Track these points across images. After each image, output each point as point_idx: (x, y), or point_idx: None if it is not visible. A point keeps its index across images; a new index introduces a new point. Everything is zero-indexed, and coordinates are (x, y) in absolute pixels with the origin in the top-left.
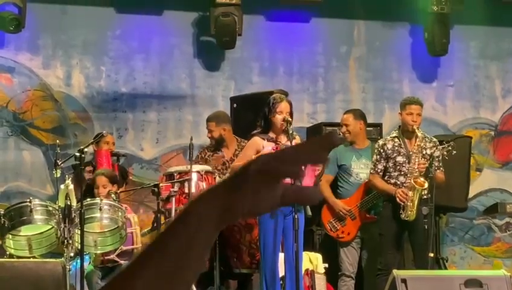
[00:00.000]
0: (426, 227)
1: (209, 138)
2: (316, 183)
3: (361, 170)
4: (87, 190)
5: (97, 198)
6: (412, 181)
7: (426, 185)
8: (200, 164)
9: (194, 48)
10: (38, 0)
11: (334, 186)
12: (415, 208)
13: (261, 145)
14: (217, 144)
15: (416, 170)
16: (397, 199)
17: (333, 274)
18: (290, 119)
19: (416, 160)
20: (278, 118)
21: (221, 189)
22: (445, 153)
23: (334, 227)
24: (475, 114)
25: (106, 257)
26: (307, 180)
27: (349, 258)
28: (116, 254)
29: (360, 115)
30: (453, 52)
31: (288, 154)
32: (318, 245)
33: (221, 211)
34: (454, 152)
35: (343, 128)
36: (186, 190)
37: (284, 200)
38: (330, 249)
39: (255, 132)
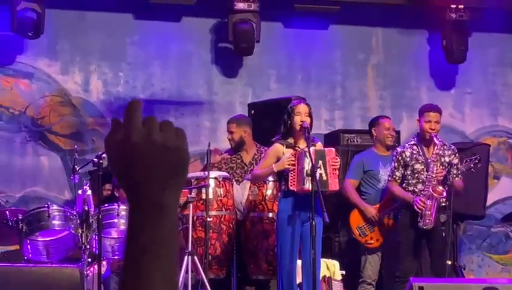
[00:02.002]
0: (444, 235)
1: (229, 140)
2: (339, 176)
3: None
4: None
5: (115, 203)
6: (431, 189)
7: (444, 193)
8: (217, 169)
9: (211, 55)
10: (57, 6)
11: (358, 192)
12: (433, 216)
13: (281, 151)
14: (237, 147)
15: (435, 178)
16: (415, 207)
17: (350, 281)
18: (308, 125)
19: (435, 168)
20: (297, 120)
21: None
22: (472, 166)
23: (363, 233)
24: (493, 122)
25: None
26: (332, 183)
27: (373, 266)
28: None
29: None
30: (471, 60)
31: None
32: (335, 252)
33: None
34: (480, 165)
35: (391, 132)
36: (204, 196)
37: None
38: (348, 256)
39: (275, 138)
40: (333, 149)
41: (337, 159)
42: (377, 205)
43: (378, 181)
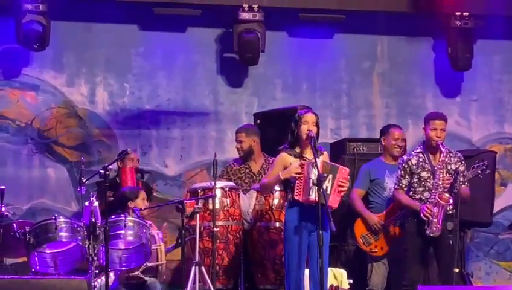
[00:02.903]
0: (451, 242)
1: (238, 149)
2: (342, 201)
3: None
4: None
5: (121, 215)
6: (437, 197)
7: (451, 201)
8: (225, 179)
9: (217, 65)
10: (62, 18)
11: (365, 200)
12: (440, 224)
13: (288, 161)
14: (246, 156)
15: (441, 185)
16: (422, 215)
17: None
18: (314, 134)
19: (441, 176)
20: (303, 129)
21: None
22: (479, 172)
23: (368, 241)
24: (499, 129)
25: (131, 274)
26: (332, 200)
27: (379, 274)
28: (140, 270)
29: None
30: (477, 67)
31: None
32: (343, 260)
33: None
34: (488, 171)
35: (399, 142)
36: (211, 207)
37: None
38: (355, 265)
39: (281, 147)
40: (347, 170)
41: (346, 181)
42: (382, 213)
43: (383, 189)
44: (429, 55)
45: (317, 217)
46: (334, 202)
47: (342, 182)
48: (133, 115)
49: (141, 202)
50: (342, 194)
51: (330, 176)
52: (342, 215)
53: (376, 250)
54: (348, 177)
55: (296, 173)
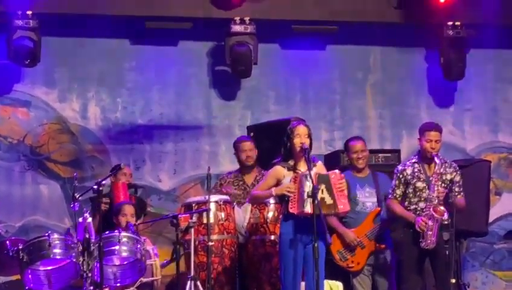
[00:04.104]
0: (447, 253)
1: (246, 159)
2: (348, 196)
3: (366, 198)
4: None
5: (115, 231)
6: (432, 210)
7: (446, 215)
8: (219, 191)
9: (209, 78)
10: (53, 34)
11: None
12: (435, 237)
13: (282, 174)
14: (254, 165)
15: (436, 198)
16: (417, 227)
17: None
18: (307, 147)
19: (435, 188)
20: (296, 141)
21: None
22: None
23: (344, 257)
24: (493, 138)
25: (126, 289)
26: (342, 204)
27: (364, 287)
28: (136, 286)
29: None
30: (470, 76)
31: None
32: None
33: None
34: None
35: (359, 154)
36: (205, 221)
37: None
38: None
39: (275, 160)
40: (337, 171)
41: (342, 180)
42: (356, 228)
43: (355, 204)
44: (422, 65)
45: (313, 229)
46: (344, 205)
47: (340, 184)
48: (125, 129)
49: (131, 218)
50: (346, 193)
51: (323, 186)
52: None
53: (353, 265)
54: (341, 175)
55: (288, 193)
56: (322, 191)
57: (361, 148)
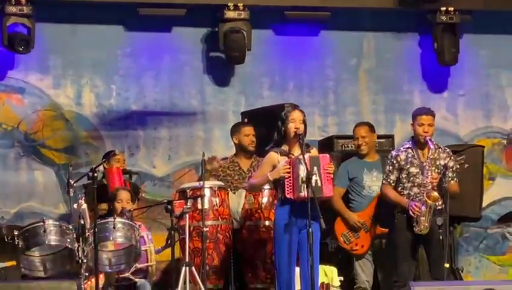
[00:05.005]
0: (441, 237)
1: (249, 144)
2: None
3: (373, 182)
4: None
5: (111, 217)
6: (425, 196)
7: (440, 201)
8: (213, 176)
9: (203, 64)
10: (47, 20)
11: (346, 199)
12: (428, 222)
13: (276, 159)
14: (250, 152)
15: (429, 183)
16: (410, 212)
17: (349, 287)
18: (302, 132)
19: (429, 174)
20: (291, 127)
21: None
22: (457, 166)
23: (348, 240)
24: (487, 123)
25: (121, 275)
26: (326, 189)
27: (365, 271)
28: (130, 271)
29: (373, 128)
30: (463, 62)
31: None
32: (333, 258)
33: None
34: (467, 165)
35: (360, 141)
36: (200, 206)
37: None
38: (345, 262)
39: (269, 147)
40: (327, 155)
41: (331, 165)
42: (362, 211)
43: (362, 188)
44: (415, 51)
45: (307, 214)
46: (328, 190)
47: (328, 168)
48: (120, 116)
49: (126, 204)
50: (331, 178)
51: (315, 168)
52: (333, 213)
53: (357, 248)
54: (331, 160)
55: (284, 173)
56: (315, 173)
57: (363, 134)
